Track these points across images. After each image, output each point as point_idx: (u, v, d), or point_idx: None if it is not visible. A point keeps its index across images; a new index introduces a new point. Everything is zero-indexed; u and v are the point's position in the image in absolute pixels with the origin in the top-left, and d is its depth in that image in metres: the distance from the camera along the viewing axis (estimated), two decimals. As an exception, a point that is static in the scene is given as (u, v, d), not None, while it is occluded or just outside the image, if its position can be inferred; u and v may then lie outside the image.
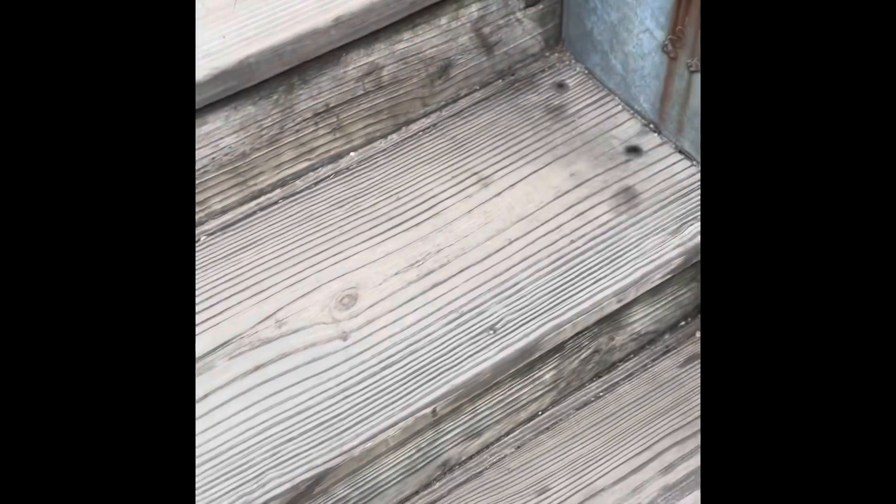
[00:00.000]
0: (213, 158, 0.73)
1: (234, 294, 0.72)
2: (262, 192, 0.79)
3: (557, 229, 0.75)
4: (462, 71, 0.84)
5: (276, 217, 0.78)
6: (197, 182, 0.74)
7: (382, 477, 0.70)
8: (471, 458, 0.79)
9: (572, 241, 0.74)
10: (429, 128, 0.85)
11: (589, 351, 0.79)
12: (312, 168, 0.81)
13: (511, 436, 0.80)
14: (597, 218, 0.76)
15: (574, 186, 0.78)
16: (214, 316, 0.71)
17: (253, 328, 0.70)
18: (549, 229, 0.75)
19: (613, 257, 0.73)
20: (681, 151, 0.79)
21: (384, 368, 0.68)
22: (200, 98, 0.67)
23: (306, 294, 0.72)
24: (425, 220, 0.77)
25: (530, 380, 0.76)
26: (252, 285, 0.73)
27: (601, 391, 0.83)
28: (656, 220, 0.75)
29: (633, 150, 0.81)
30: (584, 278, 0.72)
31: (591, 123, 0.83)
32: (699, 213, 0.75)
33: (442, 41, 0.80)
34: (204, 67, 0.67)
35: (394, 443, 0.65)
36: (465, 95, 0.87)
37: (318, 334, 0.70)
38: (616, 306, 0.72)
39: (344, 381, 0.67)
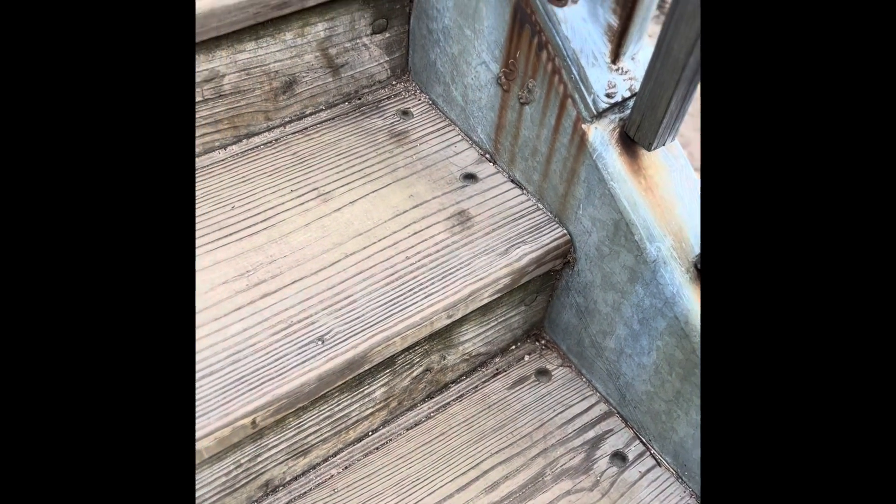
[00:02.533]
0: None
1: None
2: (83, 194, 0.75)
3: (394, 246, 0.77)
4: (308, 89, 0.85)
5: (96, 220, 0.74)
6: None
7: (198, 494, 0.66)
8: (296, 478, 0.76)
9: (407, 258, 0.76)
10: (271, 142, 0.84)
11: (420, 369, 0.80)
12: (143, 173, 0.78)
13: (339, 456, 0.79)
14: (432, 237, 0.78)
15: (412, 207, 0.80)
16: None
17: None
18: (386, 245, 0.77)
19: (445, 274, 0.75)
20: (513, 181, 0.84)
21: (204, 377, 0.64)
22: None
23: (124, 300, 0.68)
24: (260, 230, 0.76)
25: (360, 395, 0.76)
26: (62, 288, 0.67)
27: (432, 411, 0.84)
28: (487, 242, 0.78)
29: (470, 177, 0.84)
30: (415, 293, 0.73)
31: (432, 150, 0.86)
32: (527, 237, 0.79)
33: (287, 56, 0.81)
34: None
35: (209, 455, 0.62)
36: (311, 114, 0.87)
37: (132, 342, 0.65)
38: (446, 321, 0.74)
39: (157, 390, 0.63)
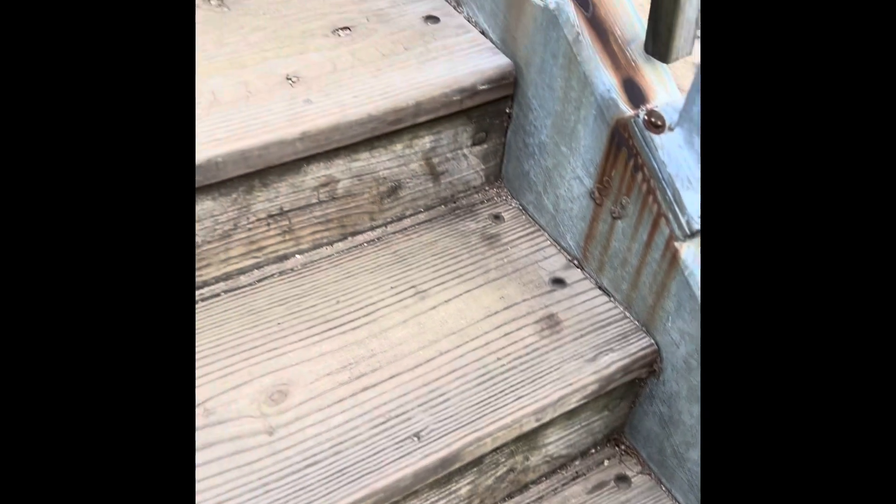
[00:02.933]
0: (165, 245, 0.76)
1: (165, 379, 0.73)
2: (205, 284, 0.82)
3: (485, 346, 0.80)
4: (410, 193, 0.92)
5: (216, 309, 0.80)
6: (144, 266, 0.76)
7: (290, 581, 0.69)
8: (380, 569, 0.78)
9: (498, 359, 0.79)
10: (374, 240, 0.91)
11: (505, 468, 0.82)
12: (258, 265, 0.84)
13: (422, 549, 0.81)
14: (522, 339, 0.81)
15: (503, 308, 0.84)
16: (141, 399, 0.71)
17: (179, 415, 0.70)
18: (478, 345, 0.80)
19: (535, 377, 0.78)
20: (600, 287, 0.87)
21: (308, 466, 0.68)
22: (164, 187, 0.71)
23: (237, 386, 0.73)
24: (362, 325, 0.81)
25: (447, 492, 0.78)
26: (184, 372, 0.73)
27: (513, 511, 0.86)
28: (575, 347, 0.81)
29: (558, 282, 0.88)
30: (506, 395, 0.76)
31: (522, 254, 0.91)
32: (614, 345, 0.82)
33: (395, 165, 0.88)
34: (173, 160, 0.71)
35: (309, 543, 0.65)
36: (410, 215, 0.94)
37: (244, 427, 0.70)
38: (534, 425, 0.77)
39: (266, 476, 0.67)
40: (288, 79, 0.81)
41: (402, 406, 0.74)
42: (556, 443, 0.85)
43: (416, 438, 0.71)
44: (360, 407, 0.73)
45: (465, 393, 0.76)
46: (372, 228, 0.91)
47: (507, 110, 0.92)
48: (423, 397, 0.75)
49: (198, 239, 0.78)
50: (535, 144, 0.89)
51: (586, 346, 0.81)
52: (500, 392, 0.77)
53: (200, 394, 0.72)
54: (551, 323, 0.84)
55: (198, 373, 0.74)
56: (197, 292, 0.81)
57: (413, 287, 0.86)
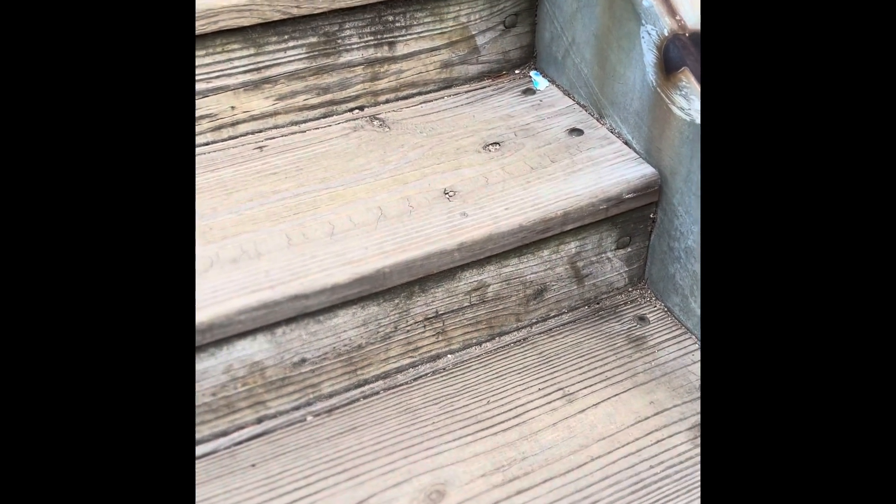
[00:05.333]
0: (334, 348, 0.83)
1: (333, 475, 0.78)
2: (366, 382, 0.87)
3: (637, 453, 0.80)
4: (554, 295, 0.95)
5: (376, 406, 0.85)
6: (314, 367, 0.83)
7: None
8: None
9: (651, 467, 0.79)
10: (520, 341, 0.94)
11: (659, 581, 0.80)
12: (413, 365, 0.90)
13: None
14: (675, 447, 0.81)
15: (654, 414, 0.84)
16: (312, 495, 0.76)
17: (346, 511, 0.74)
18: (630, 452, 0.80)
19: (690, 488, 0.77)
20: (754, 394, 0.85)
21: (467, 570, 0.70)
22: (337, 297, 0.78)
23: (398, 484, 0.77)
24: (512, 426, 0.83)
25: None
26: (350, 468, 0.78)
27: None
28: (732, 457, 0.79)
29: (709, 387, 0.87)
30: (661, 505, 0.75)
31: (670, 357, 0.91)
32: (773, 455, 0.79)
33: (541, 269, 0.92)
34: (346, 272, 0.78)
35: None
36: (555, 316, 0.96)
37: (405, 525, 0.74)
38: (691, 538, 0.75)
39: (428, 577, 0.69)
40: (445, 193, 0.88)
41: (556, 512, 0.75)
42: (712, 557, 0.82)
43: (571, 547, 0.72)
44: (514, 511, 0.75)
45: (618, 501, 0.76)
46: (518, 329, 0.95)
47: (652, 216, 0.94)
48: (577, 503, 0.75)
49: (362, 341, 0.84)
50: (682, 249, 0.91)
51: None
52: (655, 502, 0.76)
53: (364, 490, 0.76)
54: (704, 430, 0.82)
55: (360, 469, 0.78)
56: (358, 389, 0.87)
57: (560, 389, 0.88)
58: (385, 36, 0.98)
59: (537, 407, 0.86)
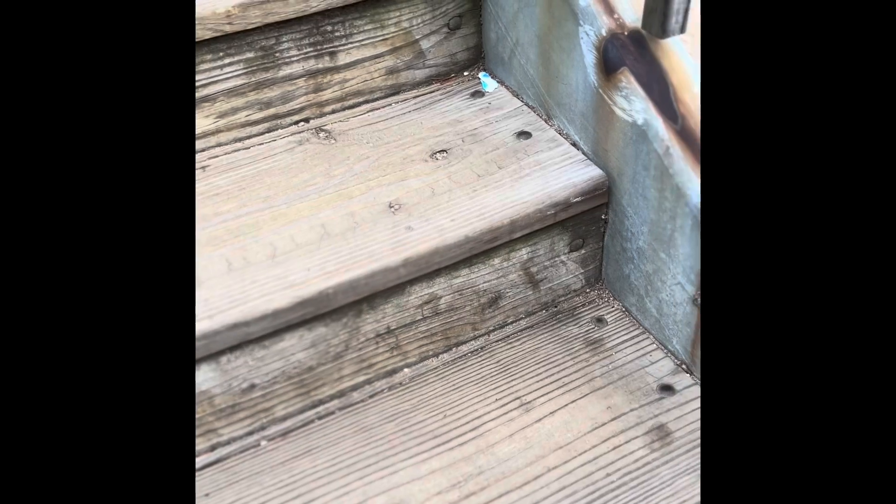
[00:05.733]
0: (283, 371, 0.82)
1: (287, 501, 0.77)
2: (321, 402, 0.86)
3: (594, 461, 0.80)
4: (510, 302, 0.94)
5: (332, 427, 0.84)
6: (265, 392, 0.82)
7: None
8: None
9: (608, 475, 0.78)
10: (477, 350, 0.93)
11: (622, 587, 0.80)
12: (369, 381, 0.89)
13: None
14: (632, 453, 0.80)
15: (610, 419, 0.84)
16: (265, 522, 0.75)
17: (300, 538, 0.73)
18: (587, 460, 0.80)
19: (647, 495, 0.76)
20: (712, 393, 0.85)
21: (421, 592, 0.70)
22: (280, 322, 0.77)
23: (353, 507, 0.77)
24: (469, 440, 0.83)
25: None
26: (305, 493, 0.77)
27: None
28: (688, 461, 0.79)
29: (667, 389, 0.86)
30: (618, 514, 0.75)
31: (628, 359, 0.90)
32: (730, 456, 0.78)
33: (494, 277, 0.90)
34: (287, 296, 0.77)
35: None
36: (512, 322, 0.95)
37: (360, 550, 0.73)
38: (649, 546, 0.74)
39: None
40: (391, 206, 0.86)
41: (511, 528, 0.74)
42: (675, 560, 0.82)
43: (527, 563, 0.71)
44: (470, 528, 0.74)
45: (574, 513, 0.75)
46: (475, 338, 0.94)
47: (603, 216, 0.93)
48: (533, 518, 0.75)
49: (312, 363, 0.83)
50: (634, 249, 0.90)
51: (700, 460, 0.79)
52: (612, 511, 0.75)
53: (319, 516, 0.76)
54: (661, 434, 0.82)
55: (315, 493, 0.78)
56: (313, 410, 0.86)
57: (518, 398, 0.87)
58: (325, 46, 0.96)
59: (494, 418, 0.85)
